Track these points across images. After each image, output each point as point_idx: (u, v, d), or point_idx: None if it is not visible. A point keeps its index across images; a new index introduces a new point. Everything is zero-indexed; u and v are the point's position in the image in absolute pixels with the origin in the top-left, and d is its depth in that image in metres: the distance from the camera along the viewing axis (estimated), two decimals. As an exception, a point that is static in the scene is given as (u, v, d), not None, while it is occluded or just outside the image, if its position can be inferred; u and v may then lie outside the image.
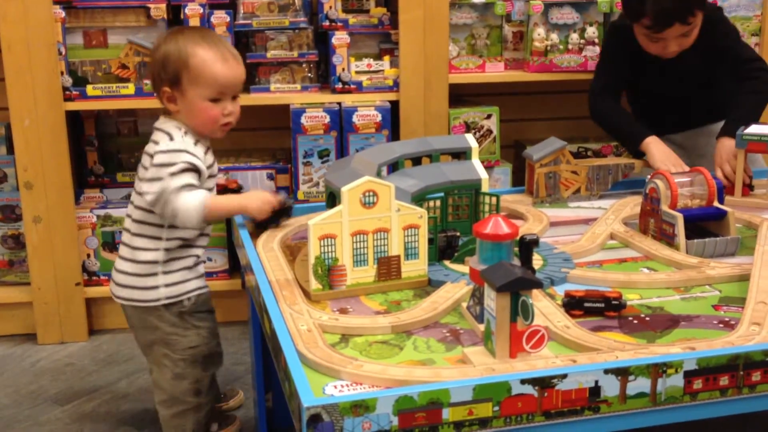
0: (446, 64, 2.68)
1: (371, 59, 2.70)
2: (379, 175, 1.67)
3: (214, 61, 1.82)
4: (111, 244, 2.70)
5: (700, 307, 1.50)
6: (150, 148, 1.85)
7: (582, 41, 2.79)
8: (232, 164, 2.72)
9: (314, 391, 1.18)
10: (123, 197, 2.80)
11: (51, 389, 2.42)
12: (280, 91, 2.67)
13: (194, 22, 2.56)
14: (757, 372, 1.27)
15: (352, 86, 2.67)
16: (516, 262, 1.45)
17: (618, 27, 2.47)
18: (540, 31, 2.76)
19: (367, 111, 2.62)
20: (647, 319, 1.46)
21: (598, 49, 2.78)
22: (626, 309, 1.48)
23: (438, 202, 1.80)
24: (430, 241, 1.64)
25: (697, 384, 1.25)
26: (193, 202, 1.77)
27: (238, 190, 2.05)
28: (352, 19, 2.69)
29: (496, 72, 2.80)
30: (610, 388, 1.22)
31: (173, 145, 1.81)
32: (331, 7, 2.67)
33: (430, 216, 1.64)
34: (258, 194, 1.86)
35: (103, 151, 2.84)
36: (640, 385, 1.22)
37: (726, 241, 1.77)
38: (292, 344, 1.31)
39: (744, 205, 2.09)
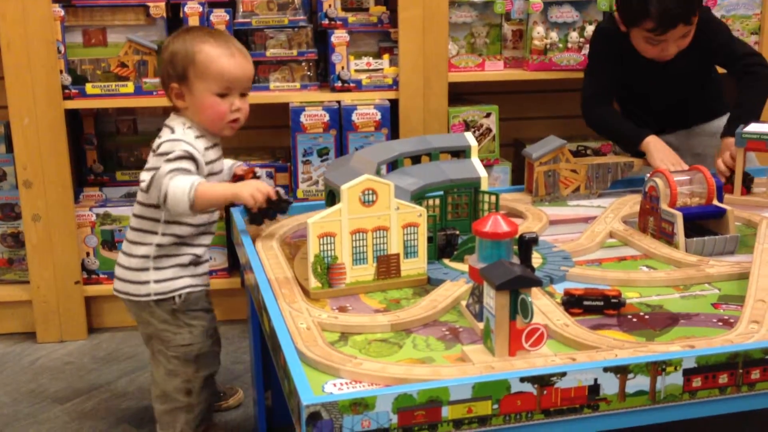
0: (446, 63, 2.68)
1: (370, 58, 2.70)
2: (378, 173, 1.67)
3: (221, 55, 1.83)
4: (110, 242, 2.70)
5: (700, 306, 1.51)
6: (155, 143, 1.86)
7: (581, 40, 2.79)
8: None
9: (313, 389, 1.18)
10: (122, 196, 2.80)
11: (50, 388, 2.42)
12: (280, 90, 2.67)
13: (193, 20, 2.56)
14: (756, 370, 1.27)
15: (352, 85, 2.67)
16: (515, 260, 1.45)
17: (604, 31, 2.45)
18: (539, 30, 2.76)
19: (366, 109, 2.62)
20: (646, 317, 1.46)
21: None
22: (625, 307, 1.48)
23: (437, 201, 1.79)
24: (430, 239, 1.65)
25: (696, 382, 1.25)
26: (182, 185, 1.74)
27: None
28: (351, 18, 2.69)
29: (495, 70, 2.80)
30: (610, 386, 1.22)
31: (173, 137, 1.83)
32: (330, 6, 2.67)
33: (429, 214, 1.64)
34: (252, 182, 1.83)
35: (103, 149, 2.84)
36: (639, 383, 1.23)
37: (725, 239, 1.77)
38: (291, 342, 1.31)
39: (743, 203, 2.09)
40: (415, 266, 1.60)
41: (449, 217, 1.81)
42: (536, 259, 1.66)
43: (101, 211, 2.68)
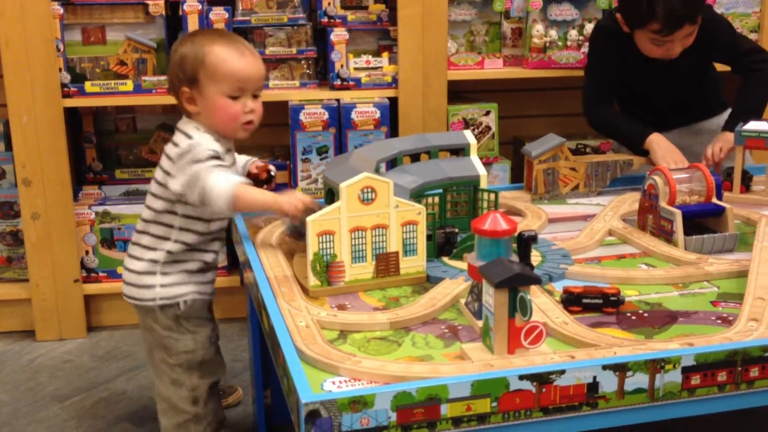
0: (445, 61, 2.68)
1: (370, 56, 2.70)
2: (377, 171, 1.67)
3: (231, 56, 1.78)
4: (109, 240, 2.70)
5: (699, 303, 1.51)
6: (170, 149, 1.81)
7: (581, 38, 2.79)
8: (231, 161, 2.72)
9: (312, 387, 1.18)
10: (121, 194, 2.80)
11: (49, 386, 2.42)
12: (279, 88, 2.67)
13: (193, 18, 2.56)
14: (755, 368, 1.27)
15: (351, 83, 2.67)
16: (514, 258, 1.45)
17: (604, 29, 2.43)
18: (539, 28, 2.76)
19: (365, 107, 2.62)
20: (645, 315, 1.46)
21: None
22: (624, 305, 1.48)
23: (436, 199, 1.79)
24: (429, 237, 1.65)
25: (695, 380, 1.25)
26: (223, 182, 1.69)
27: (268, 180, 1.94)
28: (350, 16, 2.68)
29: (494, 69, 2.80)
30: (608, 383, 1.22)
31: (193, 142, 1.77)
32: (329, 4, 2.67)
33: (428, 212, 1.64)
34: (295, 194, 1.75)
35: (102, 147, 2.84)
36: (638, 380, 1.23)
37: (724, 237, 1.77)
38: (290, 340, 1.31)
39: (742, 201, 2.09)
40: (414, 264, 1.60)
41: (448, 215, 1.81)
42: (535, 257, 1.66)
43: (100, 209, 2.68)
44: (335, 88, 2.67)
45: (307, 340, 1.33)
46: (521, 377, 1.18)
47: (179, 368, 1.87)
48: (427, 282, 1.60)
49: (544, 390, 1.19)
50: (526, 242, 1.52)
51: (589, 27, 2.78)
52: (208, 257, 1.89)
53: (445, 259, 1.68)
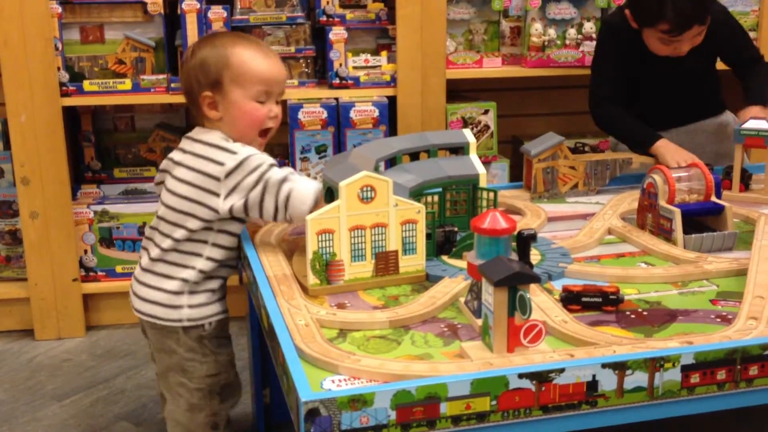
0: (443, 60, 2.68)
1: (368, 54, 2.70)
2: (376, 170, 1.67)
3: (256, 57, 1.71)
4: (108, 239, 2.70)
5: (698, 302, 1.51)
6: (208, 167, 1.68)
7: (579, 36, 2.79)
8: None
9: (312, 386, 1.18)
10: (120, 193, 2.80)
11: (48, 385, 2.42)
12: (278, 87, 2.67)
13: (191, 17, 2.56)
14: (754, 366, 1.27)
15: (350, 82, 2.67)
16: (514, 257, 1.45)
17: (613, 26, 2.42)
18: (537, 27, 2.76)
19: (364, 106, 2.62)
20: (645, 313, 1.46)
21: (595, 44, 2.77)
22: (624, 304, 1.48)
23: (436, 197, 1.79)
24: (428, 236, 1.64)
25: (695, 378, 1.25)
26: (308, 185, 1.64)
27: None
28: (349, 15, 2.68)
29: (493, 67, 2.80)
30: (608, 382, 1.22)
31: (240, 156, 1.67)
32: (328, 3, 2.66)
33: (427, 211, 1.64)
34: None
35: (100, 146, 2.84)
36: (637, 379, 1.23)
37: (723, 235, 1.77)
38: (289, 339, 1.31)
39: (741, 200, 2.09)
40: (413, 263, 1.60)
41: (448, 214, 1.81)
42: (535, 256, 1.66)
43: (99, 208, 2.68)
44: (334, 87, 2.67)
45: (307, 339, 1.33)
46: (521, 376, 1.18)
47: (199, 393, 1.78)
48: (427, 281, 1.60)
49: (543, 388, 1.19)
50: (525, 241, 1.52)
51: (588, 25, 2.78)
52: (226, 273, 1.81)
53: (445, 257, 1.68)
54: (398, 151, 1.79)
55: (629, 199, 2.04)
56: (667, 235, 1.78)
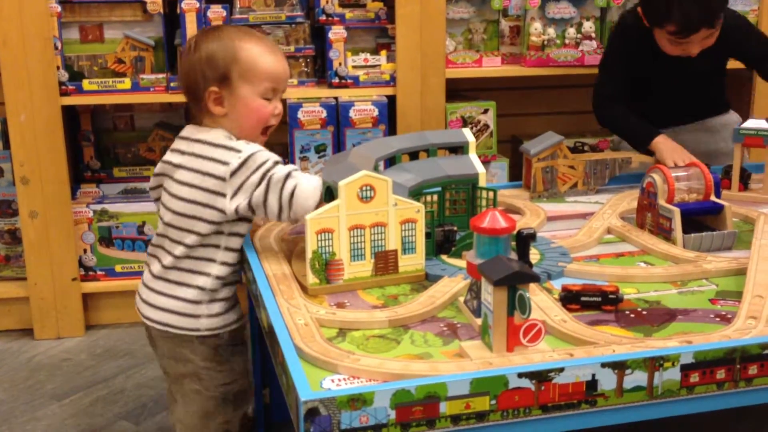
0: (443, 59, 2.68)
1: (368, 54, 2.70)
2: (376, 169, 1.66)
3: (264, 53, 1.67)
4: (107, 239, 2.69)
5: (697, 301, 1.51)
6: (212, 168, 1.64)
7: (579, 36, 2.79)
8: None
9: (311, 385, 1.18)
10: (119, 192, 2.80)
11: (48, 384, 2.42)
12: (277, 86, 2.67)
13: (191, 16, 2.56)
14: (753, 365, 1.27)
15: (349, 81, 2.67)
16: (513, 256, 1.45)
17: (626, 26, 2.40)
18: (537, 26, 2.76)
19: (363, 106, 2.62)
20: (644, 313, 1.46)
21: (595, 43, 2.77)
22: (623, 303, 1.48)
23: (435, 197, 1.79)
24: (428, 235, 1.64)
25: (694, 377, 1.25)
26: (312, 181, 1.62)
27: None
28: (348, 14, 2.68)
29: (492, 67, 2.80)
30: (607, 381, 1.22)
31: (244, 155, 1.63)
32: (327, 2, 2.66)
33: (427, 210, 1.64)
34: None
35: (100, 145, 2.84)
36: (636, 378, 1.23)
37: (723, 235, 1.77)
38: (289, 338, 1.31)
39: (741, 199, 2.09)
40: (412, 262, 1.60)
41: (447, 213, 1.81)
42: (534, 255, 1.66)
43: (98, 207, 2.68)
44: (333, 86, 2.67)
45: (306, 338, 1.33)
46: (520, 375, 1.18)
47: (214, 400, 1.74)
48: (426, 280, 1.60)
49: (543, 388, 1.19)
50: (524, 240, 1.52)
51: (587, 25, 2.79)
52: (238, 278, 1.77)
53: (444, 257, 1.68)
54: (398, 150, 1.79)
55: (628, 199, 2.04)
56: (666, 235, 1.78)
